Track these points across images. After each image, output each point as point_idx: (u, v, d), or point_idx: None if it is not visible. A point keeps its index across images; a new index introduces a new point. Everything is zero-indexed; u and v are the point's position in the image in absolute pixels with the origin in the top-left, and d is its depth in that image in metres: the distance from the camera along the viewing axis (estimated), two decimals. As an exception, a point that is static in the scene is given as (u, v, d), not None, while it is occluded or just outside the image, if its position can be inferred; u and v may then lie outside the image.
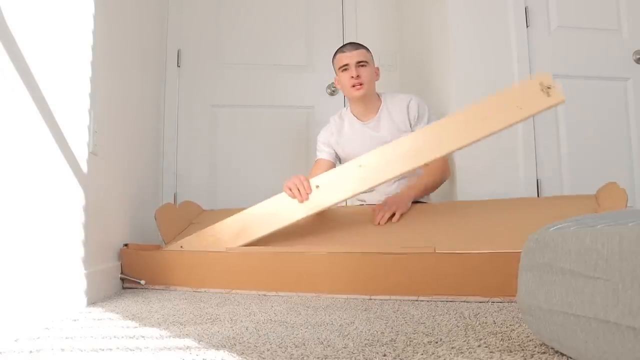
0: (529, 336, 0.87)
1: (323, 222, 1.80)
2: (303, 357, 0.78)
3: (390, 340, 0.88)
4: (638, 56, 2.24)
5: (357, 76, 1.92)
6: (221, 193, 2.55)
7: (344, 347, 0.84)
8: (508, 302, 1.28)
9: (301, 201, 1.65)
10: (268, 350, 0.83)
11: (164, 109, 2.54)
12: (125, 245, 1.74)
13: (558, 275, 0.68)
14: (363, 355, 0.78)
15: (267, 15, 2.70)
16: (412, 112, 1.96)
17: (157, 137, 2.43)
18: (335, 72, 2.02)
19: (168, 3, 2.59)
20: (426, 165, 1.97)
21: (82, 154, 1.38)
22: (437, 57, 2.38)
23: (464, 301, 1.32)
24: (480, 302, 1.30)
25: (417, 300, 1.37)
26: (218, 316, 1.17)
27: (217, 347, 0.86)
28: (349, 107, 2.10)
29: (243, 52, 2.66)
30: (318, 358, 0.78)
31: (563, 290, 0.66)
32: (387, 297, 1.41)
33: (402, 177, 1.96)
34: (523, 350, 0.78)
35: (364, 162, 1.61)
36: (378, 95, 2.04)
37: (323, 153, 2.09)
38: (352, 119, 2.05)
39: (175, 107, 2.57)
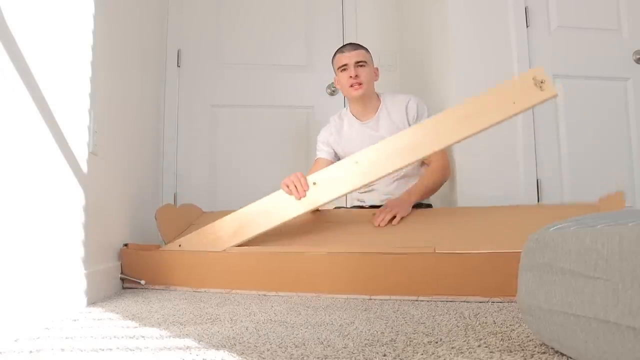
0: (529, 336, 0.87)
1: (323, 222, 1.80)
2: (303, 357, 0.78)
3: (390, 340, 0.88)
4: (638, 56, 2.24)
5: (356, 76, 1.93)
6: (221, 193, 2.55)
7: (344, 347, 0.84)
8: (508, 302, 1.29)
9: (298, 198, 1.65)
10: (268, 350, 0.83)
11: (164, 109, 2.54)
12: (125, 245, 1.74)
13: (558, 275, 0.68)
14: (363, 355, 0.78)
15: (267, 15, 2.70)
16: (411, 112, 1.97)
17: (157, 137, 2.43)
18: (335, 72, 2.03)
19: (168, 3, 2.59)
20: (424, 163, 1.99)
21: (82, 154, 1.38)
22: (437, 57, 2.38)
23: (464, 301, 1.32)
24: (480, 302, 1.30)
25: (417, 300, 1.37)
26: (218, 316, 1.17)
27: (217, 347, 0.86)
28: (348, 107, 2.10)
29: (243, 52, 2.66)
30: (318, 358, 0.78)
31: (563, 290, 0.66)
32: (387, 297, 1.42)
33: (402, 174, 1.97)
34: (523, 350, 0.78)
35: (360, 159, 1.61)
36: (377, 95, 2.05)
37: (322, 152, 2.09)
38: (352, 118, 2.06)
39: (175, 107, 2.58)
